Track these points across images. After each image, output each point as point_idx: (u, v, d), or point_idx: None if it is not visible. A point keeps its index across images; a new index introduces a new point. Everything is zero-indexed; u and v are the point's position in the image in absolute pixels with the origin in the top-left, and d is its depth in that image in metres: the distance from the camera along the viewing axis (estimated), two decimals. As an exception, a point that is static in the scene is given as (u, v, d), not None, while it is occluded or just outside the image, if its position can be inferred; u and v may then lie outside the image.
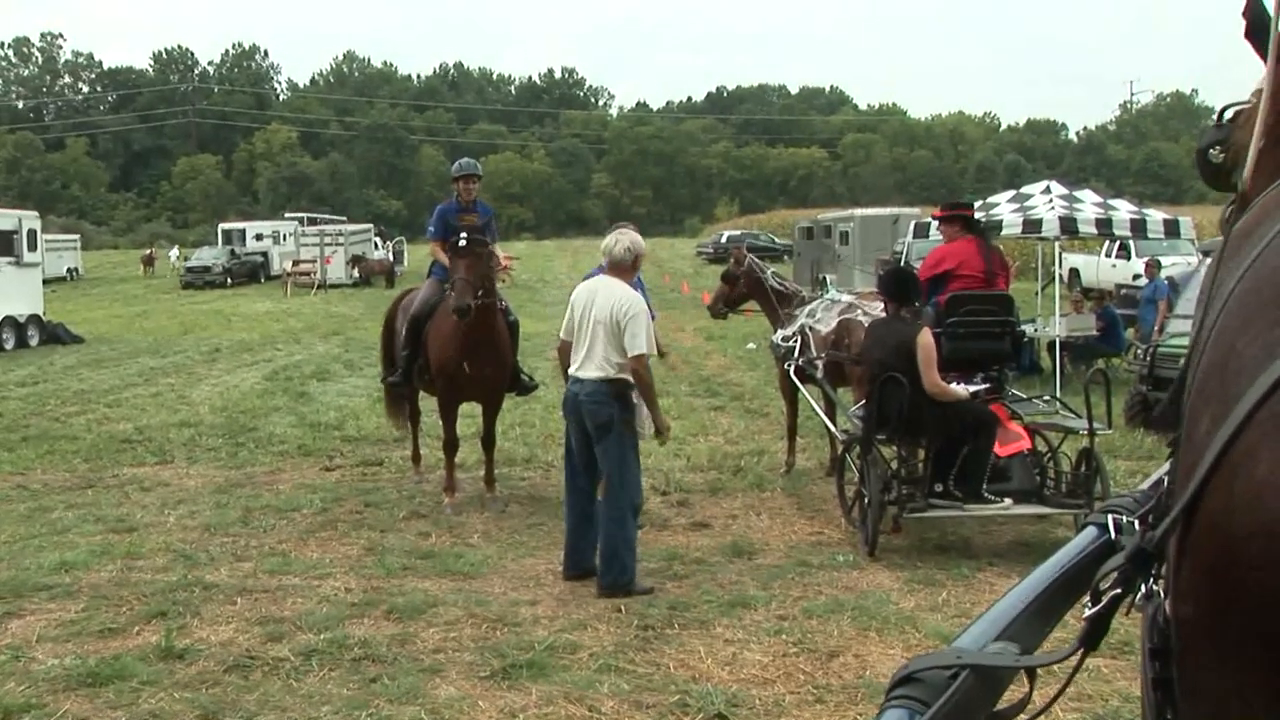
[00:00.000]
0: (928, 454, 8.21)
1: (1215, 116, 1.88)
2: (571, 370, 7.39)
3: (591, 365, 7.17)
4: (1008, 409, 8.60)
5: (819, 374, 9.74)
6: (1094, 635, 1.41)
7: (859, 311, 9.73)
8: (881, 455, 8.09)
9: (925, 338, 7.82)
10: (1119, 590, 1.38)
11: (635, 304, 7.16)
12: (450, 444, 9.61)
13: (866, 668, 5.71)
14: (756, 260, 11.49)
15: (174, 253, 58.98)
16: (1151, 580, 1.39)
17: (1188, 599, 1.23)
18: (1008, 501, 7.98)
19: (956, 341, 8.51)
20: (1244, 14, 1.61)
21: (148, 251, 61.81)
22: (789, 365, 10.07)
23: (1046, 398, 9.83)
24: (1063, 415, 9.11)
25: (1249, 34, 1.64)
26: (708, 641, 6.14)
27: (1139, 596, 1.39)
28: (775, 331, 10.73)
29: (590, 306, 7.24)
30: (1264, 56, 1.66)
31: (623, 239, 7.46)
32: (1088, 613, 1.41)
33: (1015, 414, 8.67)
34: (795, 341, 10.08)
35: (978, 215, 15.50)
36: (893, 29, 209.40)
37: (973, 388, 8.33)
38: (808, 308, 10.45)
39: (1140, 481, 2.00)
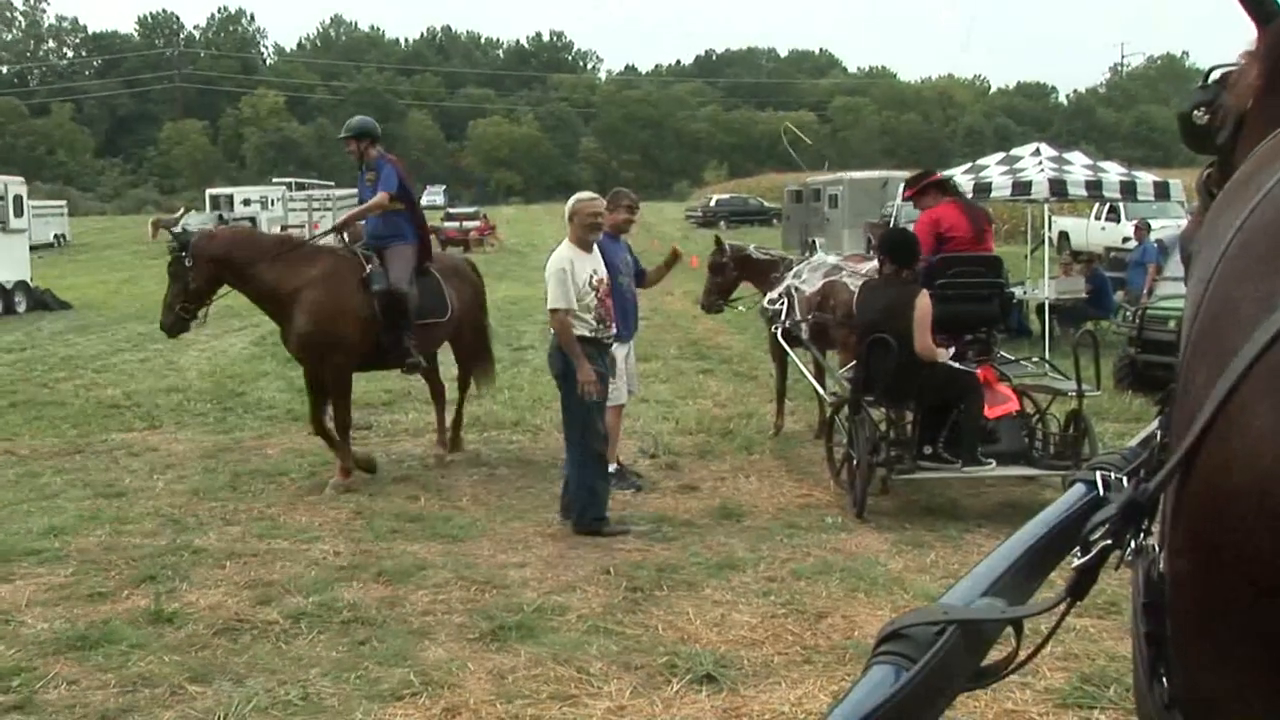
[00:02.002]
0: (916, 416, 8.22)
1: (1201, 79, 1.85)
2: None
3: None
4: (996, 371, 8.60)
5: (805, 336, 9.74)
6: (1081, 586, 1.40)
7: (844, 273, 9.73)
8: (870, 417, 8.10)
9: (923, 299, 7.80)
10: (1109, 541, 1.37)
11: (552, 264, 7.72)
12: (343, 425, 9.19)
13: (855, 629, 5.73)
14: (734, 243, 11.67)
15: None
16: (1142, 535, 1.38)
17: (1182, 553, 1.22)
18: (995, 463, 8.00)
19: (945, 304, 8.49)
20: None
21: (178, 210, 58.31)
22: (777, 328, 10.07)
23: (1035, 360, 9.85)
24: (1051, 377, 9.12)
25: None
26: (696, 603, 6.15)
27: (1129, 551, 1.38)
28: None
29: None
30: (1255, 18, 1.63)
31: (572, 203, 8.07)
32: (1076, 563, 1.40)
33: (1004, 376, 8.67)
34: (783, 304, 10.07)
35: (967, 178, 15.53)
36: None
37: (950, 353, 8.29)
38: (795, 269, 10.45)
39: (1128, 442, 1.99)
